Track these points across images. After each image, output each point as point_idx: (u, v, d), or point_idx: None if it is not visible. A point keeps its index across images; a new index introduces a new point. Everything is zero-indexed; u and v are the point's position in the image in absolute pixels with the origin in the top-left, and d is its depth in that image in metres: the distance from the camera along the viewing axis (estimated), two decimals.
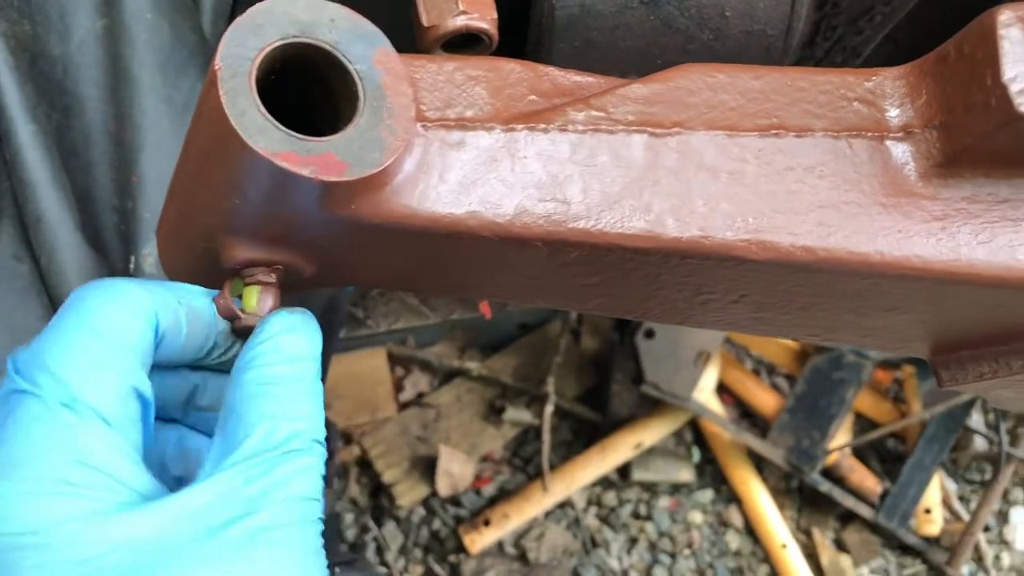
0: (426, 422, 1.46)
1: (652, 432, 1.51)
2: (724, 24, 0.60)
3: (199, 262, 0.42)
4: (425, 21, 0.51)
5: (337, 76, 0.36)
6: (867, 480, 1.53)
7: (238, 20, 0.35)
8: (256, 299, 0.41)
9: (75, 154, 0.67)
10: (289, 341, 0.38)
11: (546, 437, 1.45)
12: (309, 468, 0.36)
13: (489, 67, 0.41)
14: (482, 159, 0.39)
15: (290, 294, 0.43)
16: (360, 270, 0.43)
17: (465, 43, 0.53)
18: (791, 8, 0.61)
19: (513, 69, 0.42)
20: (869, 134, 0.42)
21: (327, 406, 1.43)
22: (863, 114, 0.42)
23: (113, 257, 0.65)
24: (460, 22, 0.50)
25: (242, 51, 0.34)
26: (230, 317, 0.41)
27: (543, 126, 0.40)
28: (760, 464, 1.54)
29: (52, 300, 0.63)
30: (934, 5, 0.67)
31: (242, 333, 0.41)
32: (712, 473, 1.56)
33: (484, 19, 0.51)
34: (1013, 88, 0.38)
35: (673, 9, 0.59)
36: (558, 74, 0.42)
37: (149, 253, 0.65)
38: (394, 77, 0.36)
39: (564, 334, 1.50)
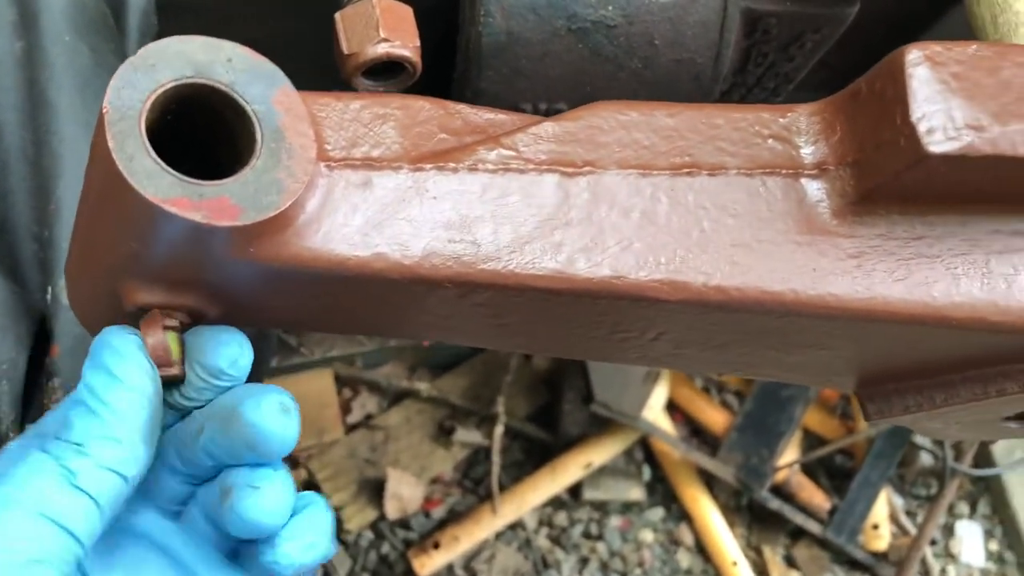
0: (374, 444, 1.45)
1: (602, 451, 1.50)
2: (653, 52, 0.60)
3: (103, 302, 0.41)
4: (346, 49, 0.50)
5: (235, 117, 0.35)
6: (816, 496, 1.54)
7: (129, 60, 0.34)
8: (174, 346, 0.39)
9: None
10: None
11: (496, 459, 1.44)
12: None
13: (398, 105, 0.40)
14: (389, 199, 0.38)
15: None
16: (268, 312, 0.42)
17: (387, 71, 0.53)
18: (720, 36, 0.61)
19: (423, 107, 0.41)
20: (783, 172, 0.41)
21: None
22: (777, 151, 0.42)
23: (31, 287, 0.64)
24: (381, 50, 0.49)
25: (132, 93, 0.33)
26: (162, 364, 0.39)
27: (452, 165, 0.39)
28: (710, 482, 1.54)
29: None
30: (864, 30, 0.68)
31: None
32: (662, 491, 1.56)
33: (406, 47, 0.50)
34: (921, 128, 0.38)
35: (602, 38, 0.59)
36: (469, 112, 0.42)
37: None
38: (294, 117, 0.35)
39: (515, 353, 1.49)
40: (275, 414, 0.38)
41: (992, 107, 0.39)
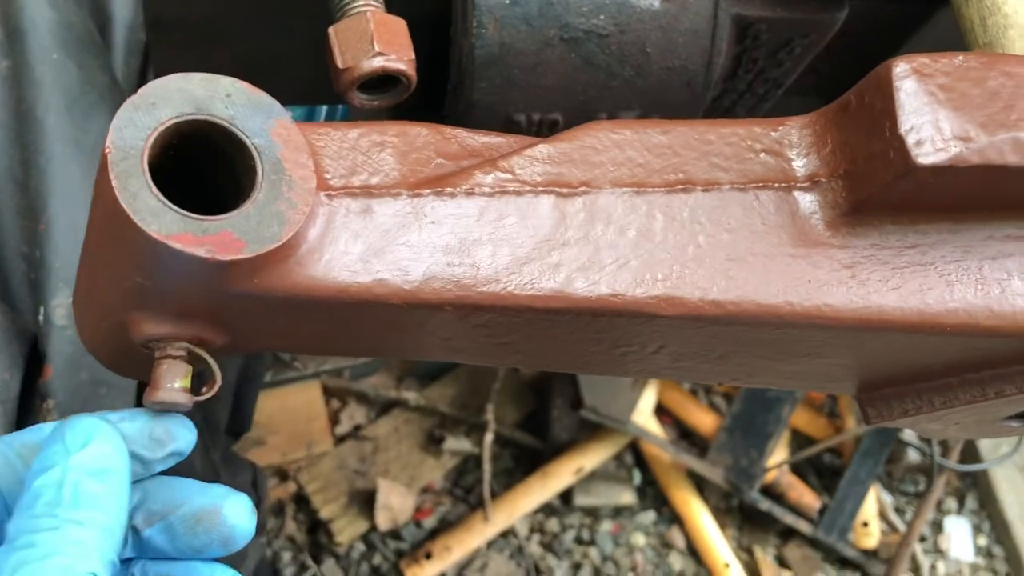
0: (364, 455, 1.44)
1: (593, 456, 1.51)
2: (645, 60, 0.60)
3: (111, 335, 0.41)
4: (340, 63, 0.50)
5: (235, 151, 0.36)
6: (805, 496, 1.55)
7: (130, 100, 0.34)
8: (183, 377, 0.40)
9: None
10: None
11: (487, 466, 1.44)
12: None
13: (395, 132, 0.41)
14: (389, 225, 0.38)
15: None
16: (273, 338, 0.42)
17: (382, 84, 0.53)
18: (711, 43, 0.62)
19: (420, 133, 0.41)
20: (776, 185, 0.42)
21: (261, 442, 1.39)
22: (770, 165, 0.42)
23: (22, 308, 0.63)
24: (376, 64, 0.49)
25: (134, 132, 0.34)
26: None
27: (450, 190, 0.39)
28: (700, 484, 1.55)
29: None
30: (851, 35, 0.68)
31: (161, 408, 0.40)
32: (653, 495, 1.56)
33: (401, 60, 0.50)
34: (909, 140, 0.39)
35: (594, 47, 0.59)
36: (466, 136, 0.42)
37: (59, 304, 0.62)
38: (293, 149, 0.36)
39: None
40: (251, 514, 0.40)
41: (979, 117, 0.39)
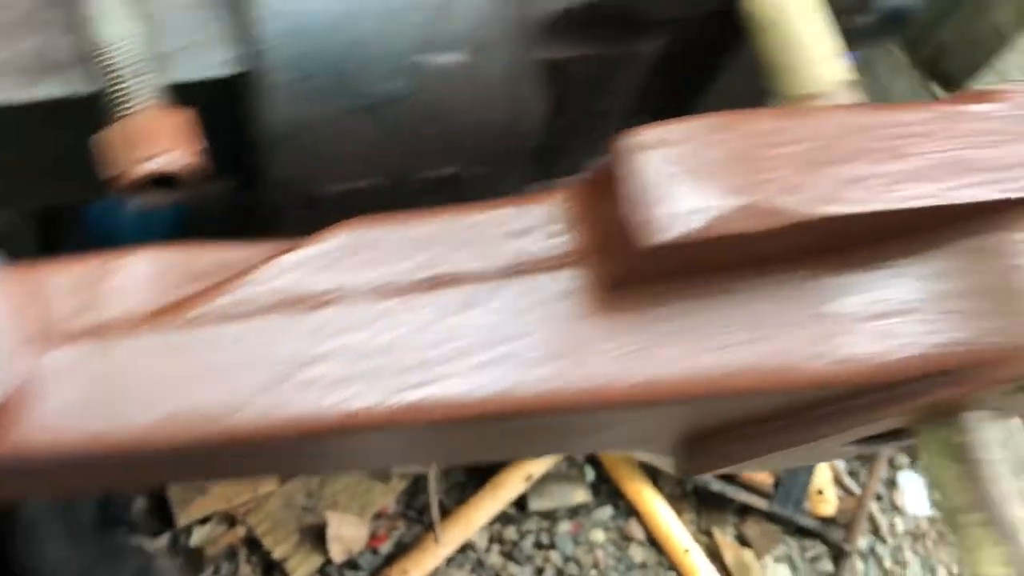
0: (311, 490, 1.44)
1: (541, 461, 1.51)
2: (450, 117, 0.59)
3: None
4: (108, 171, 0.49)
5: None
6: (758, 472, 1.56)
7: None
8: None
9: None
10: None
11: (433, 486, 1.44)
12: None
13: (136, 258, 0.40)
14: (122, 365, 0.37)
15: None
16: (48, 487, 0.41)
17: (167, 180, 0.51)
18: (519, 90, 0.61)
19: (166, 255, 0.40)
20: (534, 269, 0.41)
21: (205, 491, 1.36)
22: (526, 249, 0.41)
23: None
24: (146, 169, 0.48)
25: None
26: None
27: (191, 315, 0.38)
28: (654, 474, 1.55)
29: None
30: (671, 60, 0.67)
31: None
32: (608, 491, 1.56)
33: (180, 157, 0.49)
34: (636, 218, 0.38)
35: (392, 111, 0.58)
36: (220, 251, 0.41)
37: None
38: None
39: None
40: None
41: (717, 185, 0.39)
